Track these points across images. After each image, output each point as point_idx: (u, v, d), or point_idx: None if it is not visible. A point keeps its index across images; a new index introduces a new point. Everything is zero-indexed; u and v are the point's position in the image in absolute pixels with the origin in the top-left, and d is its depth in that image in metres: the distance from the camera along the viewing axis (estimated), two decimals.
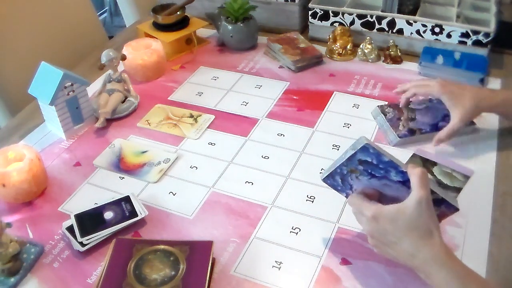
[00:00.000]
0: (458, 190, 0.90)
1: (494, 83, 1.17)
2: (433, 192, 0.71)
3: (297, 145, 1.02)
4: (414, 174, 0.69)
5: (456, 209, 0.75)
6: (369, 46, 1.27)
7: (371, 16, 1.29)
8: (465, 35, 1.21)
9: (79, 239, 0.81)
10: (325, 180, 0.80)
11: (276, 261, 0.80)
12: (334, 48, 1.30)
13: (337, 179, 0.78)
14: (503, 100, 0.96)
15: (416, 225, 0.68)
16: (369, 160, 0.73)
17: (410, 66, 1.24)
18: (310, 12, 1.35)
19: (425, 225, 0.68)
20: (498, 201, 0.88)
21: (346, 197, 0.80)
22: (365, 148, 0.72)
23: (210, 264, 0.75)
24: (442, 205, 0.74)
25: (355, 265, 0.78)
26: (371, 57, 1.27)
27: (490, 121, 1.05)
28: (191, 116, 1.12)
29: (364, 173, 0.75)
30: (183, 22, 1.34)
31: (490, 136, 1.01)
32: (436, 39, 1.25)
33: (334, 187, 0.80)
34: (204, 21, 1.38)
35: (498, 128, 1.04)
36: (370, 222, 0.72)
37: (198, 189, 0.93)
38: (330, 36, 1.30)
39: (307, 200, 0.90)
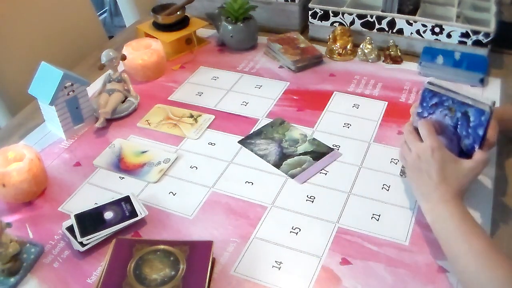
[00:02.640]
0: None
1: (494, 83, 1.17)
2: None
3: None
4: (492, 127, 0.83)
5: (491, 105, 0.77)
6: (369, 46, 1.27)
7: (371, 16, 1.29)
8: (465, 35, 1.21)
9: (79, 239, 0.81)
10: (428, 90, 0.84)
11: (276, 261, 0.80)
12: (334, 48, 1.30)
13: (434, 100, 0.84)
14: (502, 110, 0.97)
15: (455, 178, 0.78)
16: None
17: (410, 66, 1.24)
18: (310, 12, 1.35)
19: (462, 186, 0.79)
20: (498, 201, 0.88)
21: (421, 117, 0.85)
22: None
23: (210, 264, 0.75)
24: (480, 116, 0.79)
25: (355, 265, 0.78)
26: (371, 57, 1.27)
27: None
28: (191, 116, 1.12)
29: (453, 117, 0.82)
30: (183, 22, 1.34)
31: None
32: (436, 39, 1.25)
33: (425, 101, 0.85)
34: (204, 21, 1.38)
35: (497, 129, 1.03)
36: (426, 150, 0.80)
37: (198, 189, 0.93)
38: (330, 36, 1.30)
39: (307, 200, 0.90)
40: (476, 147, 0.80)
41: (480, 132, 0.79)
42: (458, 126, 0.82)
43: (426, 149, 0.80)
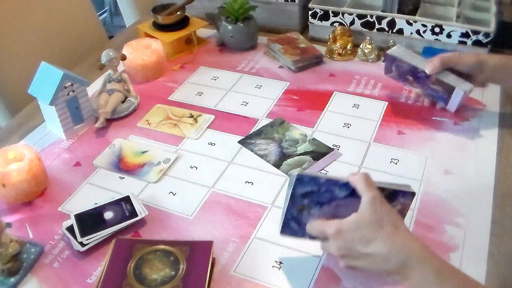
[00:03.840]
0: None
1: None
2: (383, 189, 0.70)
3: None
4: (357, 180, 0.69)
5: (413, 194, 0.72)
6: (369, 46, 1.27)
7: (371, 16, 1.29)
8: (465, 35, 1.21)
9: (79, 239, 0.81)
10: (283, 233, 0.75)
11: (276, 261, 0.80)
12: (334, 48, 1.30)
13: (293, 225, 0.74)
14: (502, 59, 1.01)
15: (379, 224, 0.66)
16: (310, 189, 0.70)
17: None
18: (310, 12, 1.35)
19: (387, 221, 0.67)
20: (498, 201, 0.88)
21: (311, 239, 0.75)
22: (299, 180, 0.70)
23: (210, 264, 0.75)
24: (398, 197, 0.72)
25: None
26: (371, 57, 1.27)
27: (490, 121, 1.05)
28: (191, 116, 1.12)
29: (311, 205, 0.71)
30: (183, 22, 1.34)
31: (490, 136, 1.01)
32: (436, 39, 1.25)
33: (296, 235, 0.75)
34: (204, 21, 1.38)
35: (498, 128, 1.04)
36: (336, 238, 0.69)
37: (198, 189, 0.93)
38: (330, 36, 1.30)
39: None
40: (343, 181, 0.70)
41: (323, 180, 0.70)
42: (319, 202, 0.72)
43: (336, 239, 0.69)
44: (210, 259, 0.76)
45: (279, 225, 0.75)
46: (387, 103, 1.13)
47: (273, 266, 0.79)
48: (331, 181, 0.70)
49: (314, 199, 0.71)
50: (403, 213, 0.74)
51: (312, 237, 0.75)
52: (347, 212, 0.69)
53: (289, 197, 0.71)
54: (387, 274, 0.68)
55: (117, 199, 0.88)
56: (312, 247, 0.81)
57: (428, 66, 1.01)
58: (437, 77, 1.01)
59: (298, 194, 0.71)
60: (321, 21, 1.35)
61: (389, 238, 0.66)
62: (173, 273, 0.74)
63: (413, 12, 1.29)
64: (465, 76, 1.01)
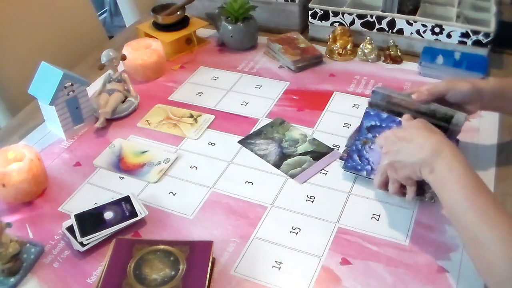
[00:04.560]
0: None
1: None
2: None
3: None
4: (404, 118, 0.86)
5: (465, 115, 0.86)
6: (369, 46, 1.27)
7: (371, 16, 1.29)
8: (465, 35, 1.21)
9: (79, 239, 0.81)
10: (346, 166, 0.91)
11: (276, 261, 0.80)
12: (334, 48, 1.30)
13: (355, 158, 0.89)
14: (499, 83, 0.92)
15: (423, 126, 0.81)
16: (373, 123, 0.86)
17: (410, 66, 1.24)
18: (310, 12, 1.35)
19: (430, 128, 0.81)
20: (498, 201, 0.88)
21: (368, 176, 0.89)
22: (367, 113, 0.89)
23: (210, 264, 0.75)
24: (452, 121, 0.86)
25: (355, 265, 0.78)
26: (371, 57, 1.27)
27: (490, 121, 1.05)
28: (191, 116, 1.12)
29: (373, 139, 0.85)
30: (183, 22, 1.34)
31: (490, 136, 1.01)
32: (436, 39, 1.25)
33: (356, 170, 0.90)
34: (204, 21, 1.38)
35: (498, 128, 1.04)
36: (386, 138, 0.83)
37: (198, 189, 0.93)
38: (330, 36, 1.30)
39: (307, 200, 0.90)
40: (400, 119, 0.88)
41: (384, 116, 0.90)
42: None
43: (385, 145, 0.83)
44: (210, 259, 0.76)
45: (344, 159, 0.92)
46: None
47: (273, 266, 0.79)
48: (390, 117, 0.88)
49: (376, 134, 0.87)
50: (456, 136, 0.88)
51: (370, 170, 0.89)
52: None
53: (356, 130, 0.91)
54: (419, 165, 0.77)
55: (117, 199, 0.88)
56: (312, 247, 0.81)
57: (415, 94, 0.91)
58: (428, 107, 0.90)
59: (365, 128, 0.89)
60: (321, 21, 1.35)
61: (428, 134, 0.79)
62: (173, 273, 0.74)
63: (413, 12, 1.29)
64: (455, 106, 0.90)
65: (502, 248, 0.65)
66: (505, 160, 0.96)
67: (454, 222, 0.73)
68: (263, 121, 1.09)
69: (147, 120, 1.11)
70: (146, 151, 1.02)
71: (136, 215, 0.85)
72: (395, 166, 0.81)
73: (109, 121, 1.10)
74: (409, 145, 0.79)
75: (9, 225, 0.77)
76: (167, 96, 1.19)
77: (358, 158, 0.89)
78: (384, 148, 0.83)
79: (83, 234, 0.82)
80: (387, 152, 0.82)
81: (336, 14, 1.32)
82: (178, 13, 1.33)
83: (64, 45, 1.45)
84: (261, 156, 1.00)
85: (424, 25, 1.25)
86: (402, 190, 0.83)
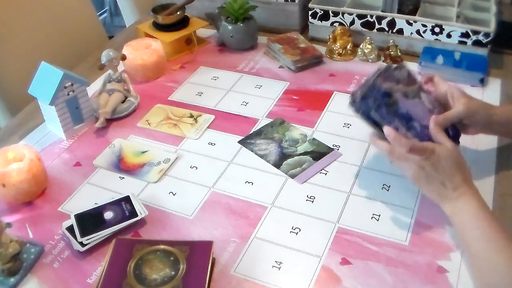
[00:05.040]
0: None
1: (494, 83, 1.17)
2: None
3: None
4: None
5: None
6: (369, 46, 1.27)
7: (371, 16, 1.29)
8: (465, 35, 1.21)
9: (79, 239, 0.81)
10: (354, 105, 0.88)
11: (276, 261, 0.80)
12: (334, 48, 1.30)
13: (370, 103, 0.85)
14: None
15: (464, 168, 0.80)
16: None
17: (410, 66, 1.23)
18: (310, 12, 1.35)
19: (465, 166, 0.81)
20: (498, 201, 0.88)
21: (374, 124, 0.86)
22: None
23: (210, 264, 0.75)
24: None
25: (355, 265, 0.78)
26: (371, 57, 1.27)
27: None
28: (191, 116, 1.12)
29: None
30: (183, 22, 1.34)
31: (490, 137, 1.01)
32: (436, 39, 1.25)
33: (366, 113, 0.86)
34: (204, 21, 1.38)
35: None
36: (428, 159, 0.79)
37: (198, 189, 0.93)
38: (330, 36, 1.30)
39: (307, 200, 0.90)
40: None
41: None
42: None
43: (427, 158, 0.79)
44: (210, 259, 0.76)
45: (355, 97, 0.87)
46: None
47: (273, 266, 0.79)
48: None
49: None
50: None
51: (377, 124, 0.85)
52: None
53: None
54: (439, 195, 0.80)
55: (117, 199, 0.88)
56: (312, 247, 0.81)
57: (431, 122, 0.84)
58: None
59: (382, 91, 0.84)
60: (321, 21, 1.35)
61: (463, 178, 0.79)
62: (173, 273, 0.74)
63: (413, 12, 1.29)
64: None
65: (509, 274, 0.69)
66: (505, 160, 0.96)
67: (466, 252, 0.78)
68: (263, 121, 1.09)
69: (147, 120, 1.11)
70: (146, 151, 1.02)
71: (136, 215, 0.85)
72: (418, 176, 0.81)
73: (109, 121, 1.10)
74: (436, 183, 0.80)
75: (9, 225, 0.77)
76: (167, 96, 1.19)
77: (373, 102, 0.84)
78: (419, 163, 0.80)
79: (83, 234, 0.82)
80: (421, 167, 0.80)
81: (336, 14, 1.32)
82: (178, 13, 1.33)
83: (64, 45, 1.45)
84: (261, 156, 1.00)
85: (424, 25, 1.25)
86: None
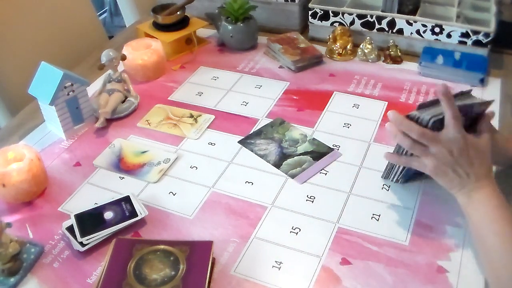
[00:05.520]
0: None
1: (494, 83, 1.17)
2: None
3: None
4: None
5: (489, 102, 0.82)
6: (369, 46, 1.27)
7: (371, 16, 1.29)
8: (465, 35, 1.21)
9: (79, 239, 0.81)
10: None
11: (276, 261, 0.80)
12: (334, 48, 1.30)
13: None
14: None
15: (486, 158, 0.79)
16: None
17: (410, 66, 1.24)
18: (310, 12, 1.35)
19: (489, 161, 0.79)
20: None
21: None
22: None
23: (210, 264, 0.75)
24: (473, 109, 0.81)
25: (355, 265, 0.78)
26: (371, 57, 1.27)
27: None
28: (191, 116, 1.12)
29: None
30: (183, 22, 1.34)
31: None
32: (436, 39, 1.25)
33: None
34: (204, 21, 1.38)
35: (498, 128, 1.03)
36: (459, 146, 0.77)
37: (198, 189, 0.93)
38: (330, 36, 1.30)
39: (307, 200, 0.90)
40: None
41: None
42: None
43: (459, 143, 0.77)
44: (210, 259, 0.76)
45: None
46: (387, 103, 1.13)
47: (273, 266, 0.79)
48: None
49: None
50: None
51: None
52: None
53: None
54: (455, 186, 0.79)
55: (117, 199, 0.88)
56: (312, 247, 0.81)
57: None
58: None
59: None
60: (321, 21, 1.35)
61: (479, 164, 0.78)
62: (173, 273, 0.74)
63: (413, 12, 1.29)
64: None
65: None
66: None
67: (479, 245, 0.76)
68: (263, 121, 1.09)
69: (147, 120, 1.11)
70: (146, 151, 1.02)
71: (136, 215, 0.85)
72: (434, 170, 0.79)
73: (109, 121, 1.10)
74: (455, 170, 0.78)
75: (9, 225, 0.77)
76: (167, 96, 1.19)
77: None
78: (422, 153, 0.78)
79: (83, 234, 0.82)
80: (435, 161, 0.78)
81: (336, 14, 1.32)
82: (178, 13, 1.33)
83: (64, 45, 1.45)
84: (261, 156, 1.00)
85: (424, 25, 1.25)
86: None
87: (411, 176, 0.91)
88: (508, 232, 0.72)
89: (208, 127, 1.08)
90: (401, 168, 0.88)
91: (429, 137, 0.77)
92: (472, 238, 0.79)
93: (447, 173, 0.78)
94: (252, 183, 0.94)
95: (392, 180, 0.92)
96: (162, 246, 0.78)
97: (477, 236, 0.76)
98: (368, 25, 1.31)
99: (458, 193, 0.79)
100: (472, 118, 0.82)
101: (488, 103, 0.82)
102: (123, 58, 1.18)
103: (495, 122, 1.04)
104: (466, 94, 0.83)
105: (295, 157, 0.99)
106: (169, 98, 1.18)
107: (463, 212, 0.78)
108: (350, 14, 1.31)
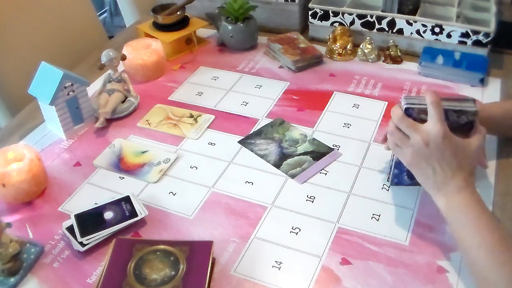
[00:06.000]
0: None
1: (494, 83, 1.17)
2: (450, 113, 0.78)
3: None
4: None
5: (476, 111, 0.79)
6: (369, 46, 1.27)
7: (371, 16, 1.29)
8: (465, 35, 1.21)
9: (79, 239, 0.81)
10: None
11: (276, 261, 0.80)
12: (334, 48, 1.30)
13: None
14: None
15: (468, 162, 0.76)
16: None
17: (410, 66, 1.24)
18: (310, 12, 1.35)
19: (474, 166, 0.78)
20: (498, 201, 0.88)
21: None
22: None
23: (210, 264, 0.75)
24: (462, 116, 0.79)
25: (355, 265, 0.78)
26: (371, 57, 1.27)
27: None
28: (191, 116, 1.12)
29: None
30: (183, 22, 1.34)
31: (490, 136, 1.01)
32: (436, 39, 1.25)
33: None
34: (204, 21, 1.38)
35: None
36: (438, 136, 0.75)
37: (198, 189, 0.93)
38: (330, 36, 1.30)
39: (307, 200, 0.90)
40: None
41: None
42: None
43: (437, 135, 0.75)
44: (210, 259, 0.76)
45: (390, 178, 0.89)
46: (387, 103, 1.13)
47: (273, 266, 0.79)
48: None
49: None
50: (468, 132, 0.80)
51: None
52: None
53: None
54: (434, 186, 0.77)
55: (117, 199, 0.88)
56: (312, 247, 0.81)
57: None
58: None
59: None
60: (321, 21, 1.35)
61: (457, 167, 0.76)
62: (173, 273, 0.74)
63: (413, 12, 1.29)
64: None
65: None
66: (505, 160, 0.96)
67: (464, 256, 0.75)
68: (263, 121, 1.09)
69: (147, 120, 1.11)
70: (146, 151, 1.02)
71: (136, 215, 0.85)
72: (413, 163, 0.79)
73: (109, 121, 1.10)
74: (433, 165, 0.76)
75: (9, 225, 0.77)
76: (167, 96, 1.19)
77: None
78: (426, 142, 0.76)
79: (83, 234, 0.82)
80: (404, 147, 0.78)
81: (336, 14, 1.32)
82: (178, 13, 1.33)
83: (64, 45, 1.45)
84: (261, 156, 1.00)
85: (424, 25, 1.25)
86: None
87: (403, 179, 0.89)
88: (491, 244, 0.70)
89: (208, 127, 1.08)
90: (393, 165, 0.88)
91: (406, 124, 0.77)
92: (456, 246, 0.77)
93: (422, 166, 0.77)
94: (252, 183, 0.94)
95: (388, 180, 0.91)
96: (162, 246, 0.78)
97: (460, 246, 0.75)
98: (368, 25, 1.31)
99: (436, 195, 0.78)
100: (463, 125, 0.80)
101: (476, 112, 0.80)
102: (123, 58, 1.18)
103: None
104: (464, 100, 0.81)
105: (295, 157, 0.99)
106: (169, 98, 1.18)
107: (443, 215, 0.77)
108: (350, 14, 1.31)
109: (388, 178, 0.91)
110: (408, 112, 0.78)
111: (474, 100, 0.81)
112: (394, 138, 0.80)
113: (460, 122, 0.79)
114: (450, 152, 0.75)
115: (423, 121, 0.78)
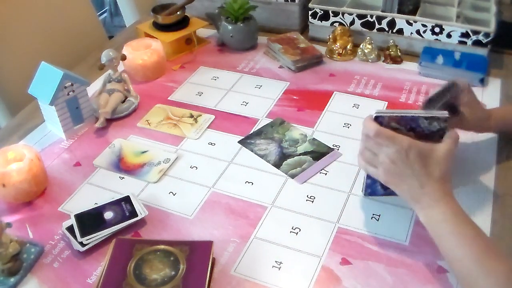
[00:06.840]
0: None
1: (494, 83, 1.17)
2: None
3: None
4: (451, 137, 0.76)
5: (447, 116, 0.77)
6: (369, 46, 1.27)
7: (371, 16, 1.29)
8: (465, 35, 1.21)
9: (79, 239, 0.81)
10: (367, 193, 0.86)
11: (276, 261, 0.80)
12: (334, 48, 1.30)
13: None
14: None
15: (438, 168, 0.74)
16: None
17: (410, 66, 1.24)
18: (310, 12, 1.35)
19: (447, 172, 0.75)
20: (498, 201, 0.88)
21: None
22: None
23: (210, 264, 0.75)
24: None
25: (355, 265, 0.78)
26: (371, 57, 1.27)
27: None
28: (191, 116, 1.12)
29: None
30: (183, 22, 1.34)
31: (490, 136, 1.01)
32: (436, 39, 1.25)
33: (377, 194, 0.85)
34: (204, 21, 1.38)
35: None
36: (400, 151, 0.74)
37: (198, 189, 0.93)
38: (330, 36, 1.30)
39: (307, 200, 0.90)
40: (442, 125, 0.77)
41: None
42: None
43: (399, 151, 0.74)
44: (210, 259, 0.76)
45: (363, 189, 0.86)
46: (387, 103, 1.13)
47: (273, 266, 0.79)
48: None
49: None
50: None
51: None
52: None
53: None
54: (411, 199, 0.76)
55: (117, 199, 0.88)
56: (312, 247, 0.81)
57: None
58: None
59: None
60: (321, 21, 1.35)
61: (435, 179, 0.74)
62: (173, 273, 0.74)
63: (413, 12, 1.29)
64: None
65: None
66: (505, 160, 0.96)
67: (449, 266, 0.74)
68: (263, 121, 1.09)
69: (147, 120, 1.11)
70: (146, 151, 1.02)
71: (136, 215, 0.85)
72: (387, 175, 0.77)
73: (109, 121, 1.10)
74: (405, 180, 0.75)
75: (9, 225, 0.77)
76: (167, 96, 1.19)
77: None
78: (392, 160, 0.75)
79: (83, 234, 0.82)
80: (374, 167, 0.78)
81: (336, 14, 1.32)
82: (178, 13, 1.33)
83: (64, 45, 1.45)
84: (261, 156, 1.00)
85: (424, 25, 1.25)
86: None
87: (376, 189, 0.85)
88: (475, 255, 0.68)
89: (208, 127, 1.08)
90: (365, 175, 0.84)
91: (387, 135, 0.75)
92: (443, 256, 0.74)
93: (396, 183, 0.76)
94: (252, 183, 0.94)
95: (362, 191, 0.87)
96: (162, 246, 0.78)
97: (445, 259, 0.74)
98: (368, 25, 1.31)
99: (416, 209, 0.76)
100: (435, 132, 0.78)
101: (448, 118, 0.78)
102: (123, 58, 1.18)
103: None
104: (442, 95, 0.81)
105: (295, 157, 0.99)
106: (169, 98, 1.18)
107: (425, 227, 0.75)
108: (350, 14, 1.31)
109: (362, 189, 0.87)
110: (378, 120, 0.77)
111: (453, 84, 0.81)
112: (364, 157, 0.79)
113: (432, 129, 0.77)
114: (418, 164, 0.74)
115: (394, 129, 0.77)
